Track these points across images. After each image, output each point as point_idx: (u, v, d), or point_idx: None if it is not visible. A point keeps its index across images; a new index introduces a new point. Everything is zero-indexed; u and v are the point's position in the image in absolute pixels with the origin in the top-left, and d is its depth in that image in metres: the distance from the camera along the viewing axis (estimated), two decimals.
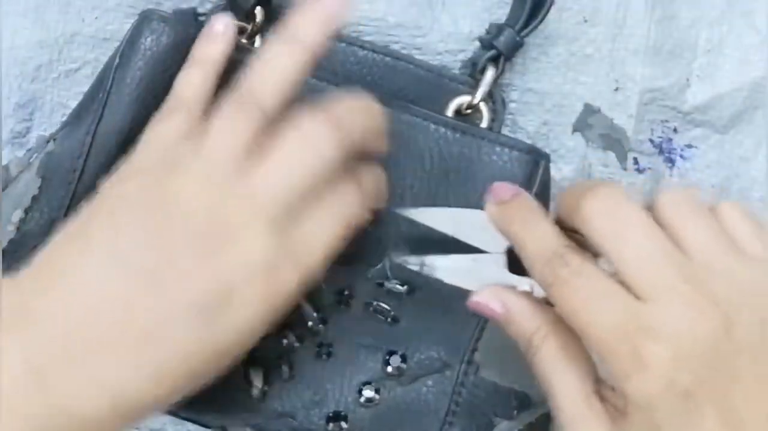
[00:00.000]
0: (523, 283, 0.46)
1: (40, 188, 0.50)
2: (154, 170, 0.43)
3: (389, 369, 0.51)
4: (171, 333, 0.39)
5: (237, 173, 0.42)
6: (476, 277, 0.47)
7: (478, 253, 0.48)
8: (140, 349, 0.39)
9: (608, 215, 0.41)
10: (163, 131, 0.45)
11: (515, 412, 0.51)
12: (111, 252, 0.40)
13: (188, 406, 0.44)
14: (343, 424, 0.51)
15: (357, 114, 0.46)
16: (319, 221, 0.43)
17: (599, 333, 0.40)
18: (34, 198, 0.50)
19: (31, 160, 0.51)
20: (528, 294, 0.46)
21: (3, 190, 0.51)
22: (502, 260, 0.47)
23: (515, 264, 0.46)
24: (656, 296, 0.39)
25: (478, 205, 0.48)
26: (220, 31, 0.48)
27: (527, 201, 0.46)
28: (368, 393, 0.51)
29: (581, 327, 0.41)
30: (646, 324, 0.39)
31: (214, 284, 0.40)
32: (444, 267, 0.48)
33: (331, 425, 0.51)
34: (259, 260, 0.41)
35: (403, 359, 0.51)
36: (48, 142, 0.51)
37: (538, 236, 0.44)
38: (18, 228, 0.50)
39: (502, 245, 0.47)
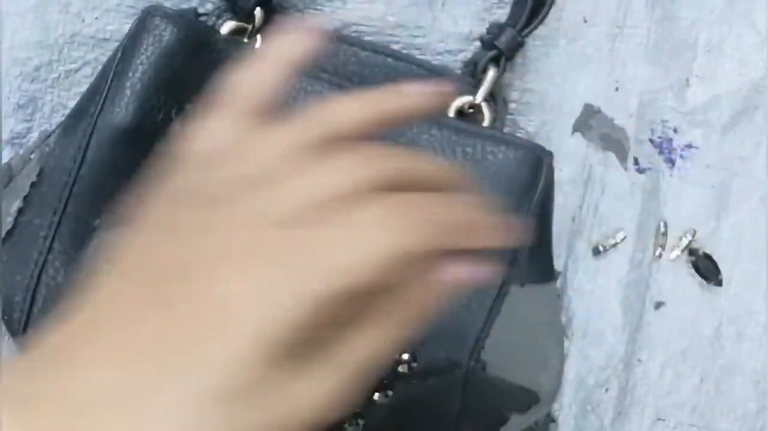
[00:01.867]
0: None
1: (39, 175, 0.50)
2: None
3: (399, 368, 0.51)
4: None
5: None
6: None
7: None
8: None
9: None
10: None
11: (527, 406, 0.51)
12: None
13: None
14: (360, 421, 0.51)
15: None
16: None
17: None
18: (33, 185, 0.50)
19: (32, 155, 0.51)
20: None
21: (5, 186, 0.51)
22: None
23: None
24: None
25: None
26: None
27: None
28: (380, 392, 0.51)
29: None
30: None
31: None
32: None
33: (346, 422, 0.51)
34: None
35: (413, 358, 0.51)
36: (49, 136, 0.51)
37: None
38: (16, 218, 0.50)
39: None
